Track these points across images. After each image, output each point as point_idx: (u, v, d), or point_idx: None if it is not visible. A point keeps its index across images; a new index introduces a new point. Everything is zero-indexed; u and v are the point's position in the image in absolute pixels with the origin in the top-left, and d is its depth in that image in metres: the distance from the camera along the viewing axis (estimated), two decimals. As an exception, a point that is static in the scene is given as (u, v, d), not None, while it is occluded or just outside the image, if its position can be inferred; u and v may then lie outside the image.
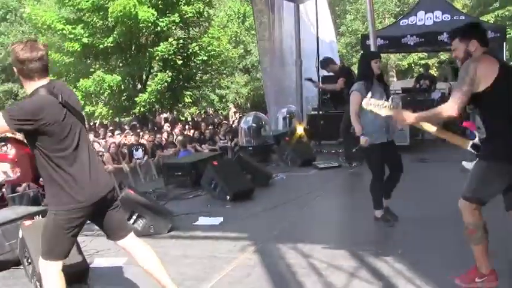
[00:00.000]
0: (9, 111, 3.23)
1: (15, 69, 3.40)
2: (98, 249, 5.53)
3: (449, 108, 3.71)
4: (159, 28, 20.75)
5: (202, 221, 6.70)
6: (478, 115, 4.12)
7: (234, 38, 31.48)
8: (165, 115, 25.28)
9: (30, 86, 3.39)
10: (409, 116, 3.91)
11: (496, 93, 3.67)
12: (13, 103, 25.17)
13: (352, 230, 6.14)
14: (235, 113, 28.16)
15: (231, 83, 34.83)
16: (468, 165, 7.42)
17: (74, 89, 20.93)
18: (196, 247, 5.57)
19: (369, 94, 4.14)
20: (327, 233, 6.02)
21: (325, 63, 10.74)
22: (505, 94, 3.69)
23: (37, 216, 5.28)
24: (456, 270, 4.09)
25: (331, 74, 10.92)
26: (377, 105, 3.94)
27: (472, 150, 3.96)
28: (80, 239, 5.41)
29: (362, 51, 14.13)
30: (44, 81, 3.39)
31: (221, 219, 6.69)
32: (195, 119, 24.61)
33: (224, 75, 30.45)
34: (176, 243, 5.74)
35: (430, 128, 3.95)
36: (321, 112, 12.95)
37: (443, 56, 29.27)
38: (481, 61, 3.71)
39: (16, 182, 9.92)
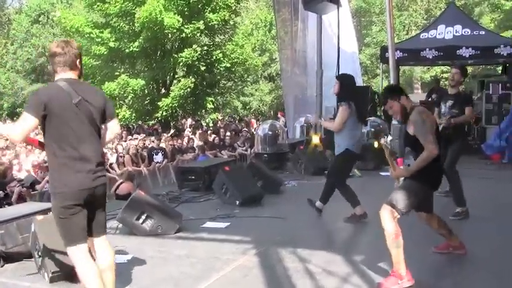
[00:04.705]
0: None
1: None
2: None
3: (433, 151, 4.39)
4: (184, 34, 21.11)
5: (210, 224, 6.90)
6: (412, 156, 4.66)
7: (259, 46, 31.75)
8: (189, 120, 25.59)
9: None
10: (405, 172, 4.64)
11: None
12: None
13: (352, 237, 6.30)
14: (257, 120, 28.33)
15: (255, 90, 35.11)
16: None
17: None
18: (199, 248, 5.75)
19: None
20: (328, 240, 6.18)
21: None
22: None
23: (50, 212, 5.52)
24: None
25: None
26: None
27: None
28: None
29: None
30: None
31: (228, 223, 6.89)
32: (218, 125, 24.87)
33: (248, 83, 30.74)
34: (181, 243, 5.95)
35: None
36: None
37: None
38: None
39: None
